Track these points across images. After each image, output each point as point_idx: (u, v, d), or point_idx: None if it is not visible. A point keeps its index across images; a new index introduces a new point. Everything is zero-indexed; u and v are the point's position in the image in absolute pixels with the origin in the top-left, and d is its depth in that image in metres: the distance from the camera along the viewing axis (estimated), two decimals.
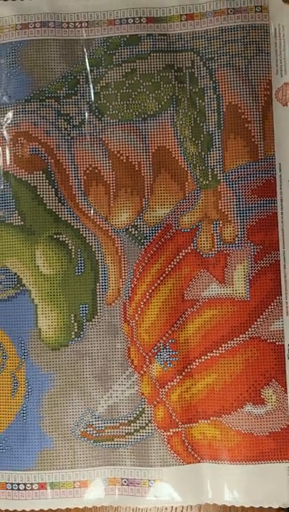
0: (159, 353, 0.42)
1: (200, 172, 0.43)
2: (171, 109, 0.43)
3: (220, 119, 0.42)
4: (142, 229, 0.43)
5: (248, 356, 0.41)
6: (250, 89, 0.42)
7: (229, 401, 0.41)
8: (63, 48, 0.44)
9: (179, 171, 0.43)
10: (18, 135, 0.43)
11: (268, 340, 0.41)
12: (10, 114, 0.43)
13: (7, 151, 0.43)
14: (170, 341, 0.42)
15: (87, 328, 0.42)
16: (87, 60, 0.43)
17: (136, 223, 0.43)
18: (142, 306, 0.42)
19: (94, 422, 0.42)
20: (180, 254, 0.42)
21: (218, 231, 0.42)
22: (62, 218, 0.43)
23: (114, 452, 0.42)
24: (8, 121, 0.43)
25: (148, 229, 0.43)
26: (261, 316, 0.41)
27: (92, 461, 0.42)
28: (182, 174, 0.43)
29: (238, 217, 0.42)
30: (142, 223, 0.43)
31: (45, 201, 0.43)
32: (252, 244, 0.41)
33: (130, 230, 0.43)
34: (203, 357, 0.41)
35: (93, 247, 0.43)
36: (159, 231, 0.43)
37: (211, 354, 0.41)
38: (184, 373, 0.42)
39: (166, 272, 0.42)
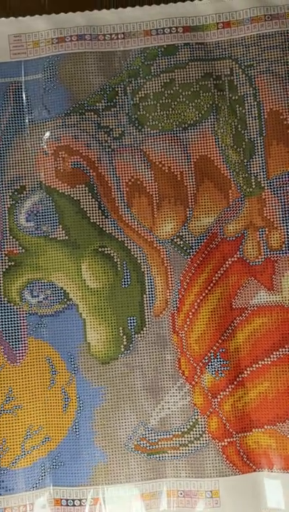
0: (209, 363, 0.41)
1: (243, 180, 0.42)
2: (212, 117, 0.43)
3: (261, 126, 0.42)
4: (187, 239, 0.42)
5: None
6: None
7: (283, 409, 0.40)
8: (100, 60, 0.43)
9: (221, 180, 0.43)
10: (59, 149, 0.43)
11: None
12: (50, 129, 0.43)
13: (49, 166, 0.43)
14: (220, 351, 0.41)
15: (136, 340, 0.42)
16: (125, 72, 0.43)
17: (181, 233, 0.42)
18: (190, 316, 0.42)
19: (147, 435, 0.42)
20: (227, 262, 0.42)
21: (264, 238, 0.42)
22: (107, 231, 0.43)
23: (168, 464, 0.41)
24: (49, 136, 0.43)
25: (193, 238, 0.42)
26: None
27: (146, 474, 0.41)
28: (225, 182, 0.43)
29: (285, 224, 0.41)
30: (187, 233, 0.42)
31: (88, 215, 0.43)
32: None
33: (175, 240, 0.43)
34: (254, 365, 0.41)
35: (139, 258, 0.43)
36: (205, 240, 0.42)
37: (263, 362, 0.41)
38: (235, 382, 0.41)
39: (214, 281, 0.42)
